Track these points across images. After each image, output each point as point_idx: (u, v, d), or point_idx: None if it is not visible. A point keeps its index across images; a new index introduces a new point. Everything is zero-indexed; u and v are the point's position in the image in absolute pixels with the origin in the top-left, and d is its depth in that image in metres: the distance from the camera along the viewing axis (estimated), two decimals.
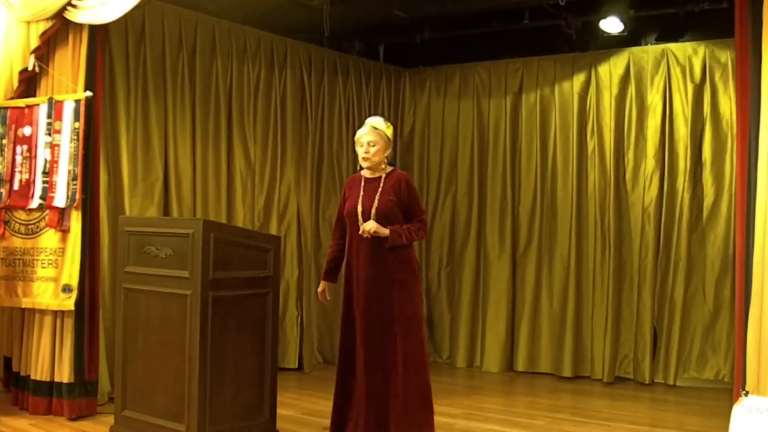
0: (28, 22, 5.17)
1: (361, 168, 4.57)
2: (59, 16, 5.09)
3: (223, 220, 6.23)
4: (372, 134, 4.45)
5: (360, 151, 4.49)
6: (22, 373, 5.22)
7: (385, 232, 4.34)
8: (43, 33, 5.14)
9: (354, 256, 4.46)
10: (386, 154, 4.50)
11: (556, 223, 7.04)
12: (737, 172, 4.51)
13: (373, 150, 4.44)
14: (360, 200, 4.45)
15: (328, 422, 5.04)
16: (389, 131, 4.53)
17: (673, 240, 6.59)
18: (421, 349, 4.42)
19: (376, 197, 4.41)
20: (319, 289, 4.75)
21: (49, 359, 5.09)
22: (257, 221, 6.59)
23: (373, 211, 4.38)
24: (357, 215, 4.43)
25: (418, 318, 4.46)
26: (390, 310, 4.37)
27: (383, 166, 4.52)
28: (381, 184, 4.46)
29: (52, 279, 5.08)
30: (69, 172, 5.04)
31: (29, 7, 5.10)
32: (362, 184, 4.51)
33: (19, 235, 5.20)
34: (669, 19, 6.48)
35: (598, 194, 6.84)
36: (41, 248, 5.13)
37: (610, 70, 6.84)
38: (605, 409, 5.77)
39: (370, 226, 4.35)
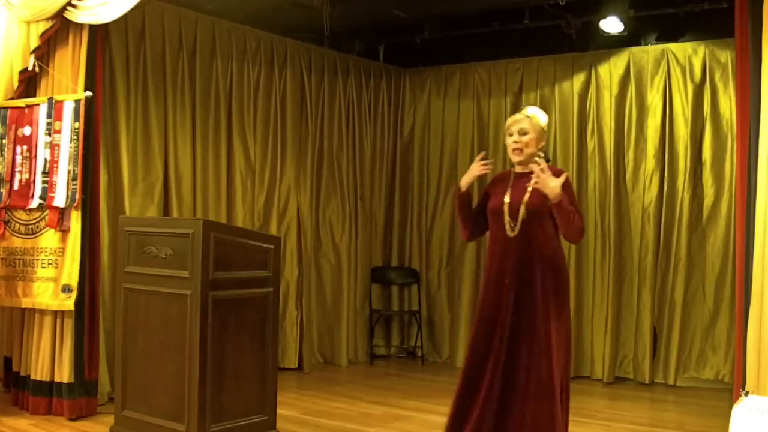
0: (28, 22, 5.17)
1: (512, 165, 4.07)
2: (59, 16, 5.08)
3: (223, 220, 6.23)
4: (524, 122, 3.91)
5: (509, 141, 3.96)
6: (22, 373, 5.21)
7: (558, 196, 3.72)
8: (43, 33, 5.14)
9: (497, 259, 3.93)
10: (539, 147, 3.95)
11: None
12: (737, 172, 4.51)
13: (524, 139, 3.90)
14: (508, 194, 3.92)
15: (327, 422, 5.05)
16: (543, 121, 4.00)
17: (673, 240, 6.59)
18: (556, 373, 3.76)
19: (527, 191, 3.86)
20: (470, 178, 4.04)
21: (49, 359, 5.08)
22: (257, 221, 6.59)
23: (522, 207, 3.83)
24: (503, 212, 3.89)
25: (562, 334, 3.85)
26: (535, 321, 3.80)
27: (537, 160, 3.90)
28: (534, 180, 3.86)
29: (52, 279, 5.07)
30: (69, 172, 5.04)
31: (29, 7, 5.10)
32: (511, 179, 3.98)
33: (19, 235, 5.20)
34: (669, 19, 6.48)
35: (598, 194, 6.84)
36: (41, 248, 5.12)
37: (610, 70, 6.84)
38: (605, 409, 5.77)
39: (554, 183, 3.70)
